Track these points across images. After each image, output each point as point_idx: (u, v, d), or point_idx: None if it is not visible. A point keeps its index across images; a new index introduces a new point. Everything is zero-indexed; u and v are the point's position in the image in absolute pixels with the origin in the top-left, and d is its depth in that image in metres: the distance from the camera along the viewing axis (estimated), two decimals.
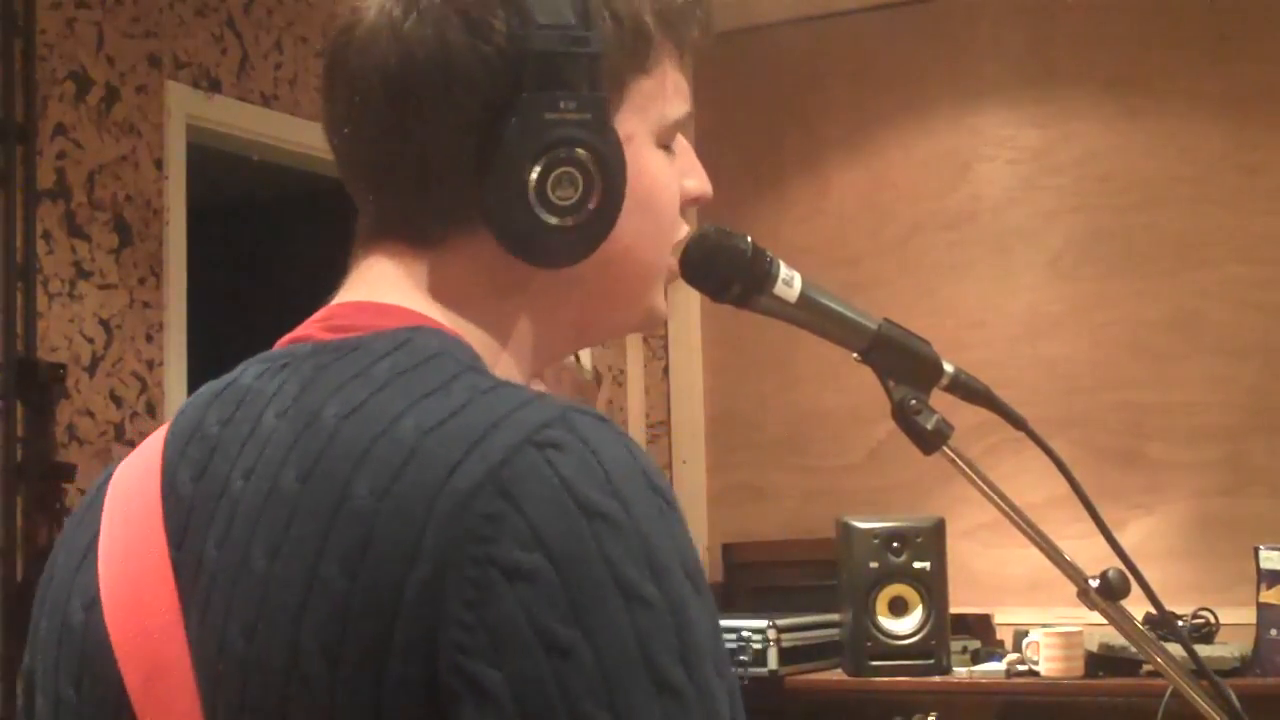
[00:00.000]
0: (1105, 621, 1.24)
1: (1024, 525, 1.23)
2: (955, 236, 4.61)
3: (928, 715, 3.79)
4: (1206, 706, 1.22)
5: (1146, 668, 3.59)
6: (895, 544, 3.93)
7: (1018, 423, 1.25)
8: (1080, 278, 4.46)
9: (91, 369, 3.52)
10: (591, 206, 0.93)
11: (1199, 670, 1.25)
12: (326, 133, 0.98)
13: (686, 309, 4.83)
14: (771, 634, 3.98)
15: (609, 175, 0.93)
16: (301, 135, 4.03)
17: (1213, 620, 3.89)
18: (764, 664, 3.98)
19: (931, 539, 3.95)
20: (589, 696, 0.75)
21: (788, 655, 4.02)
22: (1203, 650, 3.73)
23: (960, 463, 1.22)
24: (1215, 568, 4.14)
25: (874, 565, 3.92)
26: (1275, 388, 4.23)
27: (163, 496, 0.90)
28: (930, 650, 3.91)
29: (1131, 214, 4.41)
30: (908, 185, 4.68)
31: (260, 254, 5.96)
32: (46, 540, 3.25)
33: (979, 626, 4.33)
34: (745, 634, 4.00)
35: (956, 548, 4.10)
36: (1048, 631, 3.83)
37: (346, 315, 0.94)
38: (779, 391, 4.81)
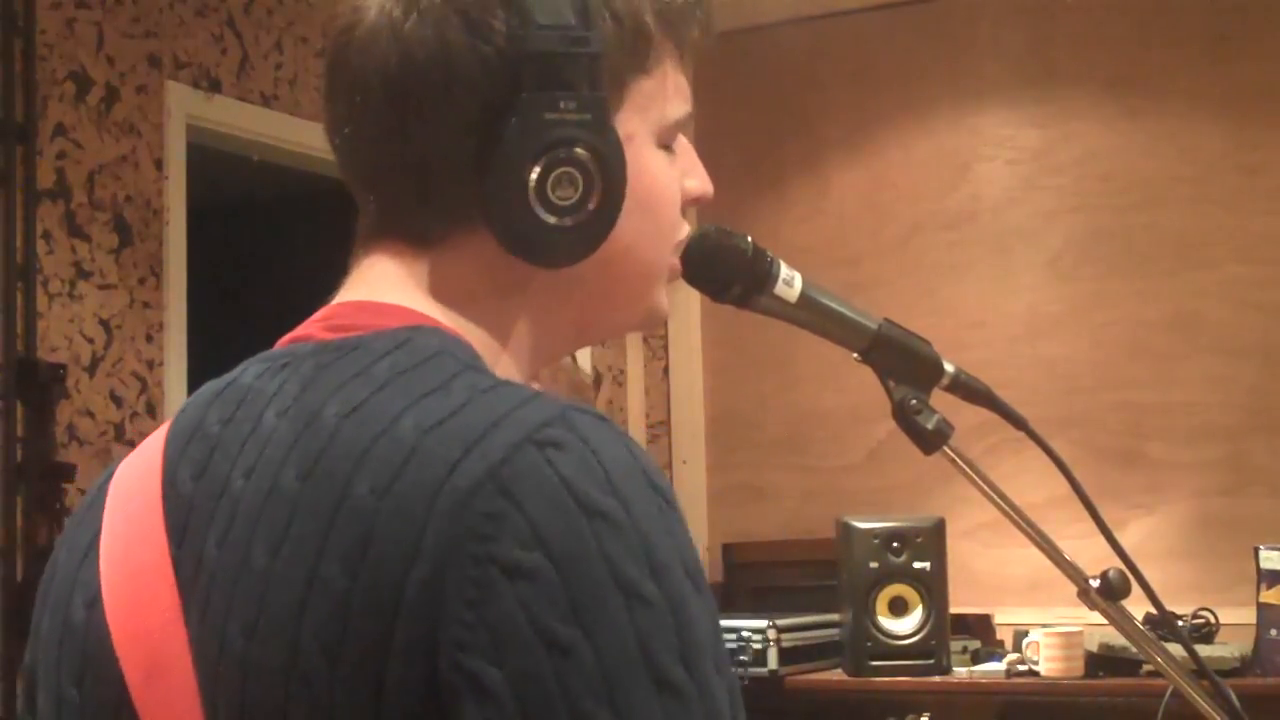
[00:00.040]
0: (1105, 621, 1.24)
1: (1024, 525, 1.23)
2: (955, 236, 4.61)
3: (920, 715, 3.79)
4: (1207, 706, 1.22)
5: (1147, 668, 3.59)
6: (895, 544, 3.93)
7: (1018, 423, 1.25)
8: (1080, 278, 4.45)
9: (91, 369, 3.52)
10: (592, 206, 0.93)
11: (1199, 670, 1.25)
12: (328, 133, 0.99)
13: (686, 309, 4.83)
14: (771, 634, 3.98)
15: (609, 175, 0.93)
16: (301, 135, 4.03)
17: (1213, 620, 3.89)
18: (764, 664, 3.97)
19: (931, 539, 3.95)
20: (589, 695, 0.76)
21: (788, 655, 4.02)
22: (1203, 650, 3.73)
23: (960, 463, 1.23)
24: (1215, 568, 4.14)
25: (874, 565, 3.92)
26: (1275, 388, 4.22)
27: (163, 495, 0.91)
28: (930, 650, 3.91)
29: (1131, 214, 4.41)
30: (908, 185, 4.68)
31: (260, 254, 5.96)
32: (46, 540, 3.25)
33: (979, 626, 4.32)
34: (745, 634, 3.99)
35: (956, 548, 4.10)
36: (1048, 631, 3.83)
37: (347, 315, 0.94)
38: (779, 391, 4.80)
